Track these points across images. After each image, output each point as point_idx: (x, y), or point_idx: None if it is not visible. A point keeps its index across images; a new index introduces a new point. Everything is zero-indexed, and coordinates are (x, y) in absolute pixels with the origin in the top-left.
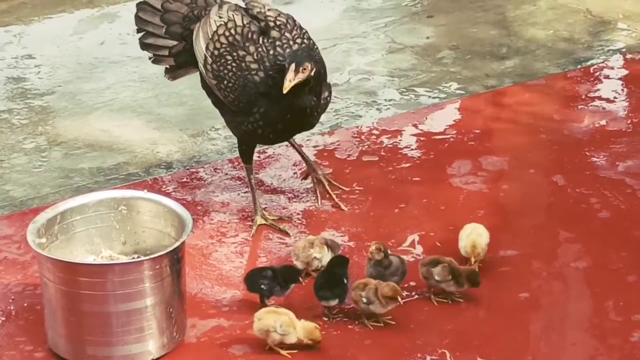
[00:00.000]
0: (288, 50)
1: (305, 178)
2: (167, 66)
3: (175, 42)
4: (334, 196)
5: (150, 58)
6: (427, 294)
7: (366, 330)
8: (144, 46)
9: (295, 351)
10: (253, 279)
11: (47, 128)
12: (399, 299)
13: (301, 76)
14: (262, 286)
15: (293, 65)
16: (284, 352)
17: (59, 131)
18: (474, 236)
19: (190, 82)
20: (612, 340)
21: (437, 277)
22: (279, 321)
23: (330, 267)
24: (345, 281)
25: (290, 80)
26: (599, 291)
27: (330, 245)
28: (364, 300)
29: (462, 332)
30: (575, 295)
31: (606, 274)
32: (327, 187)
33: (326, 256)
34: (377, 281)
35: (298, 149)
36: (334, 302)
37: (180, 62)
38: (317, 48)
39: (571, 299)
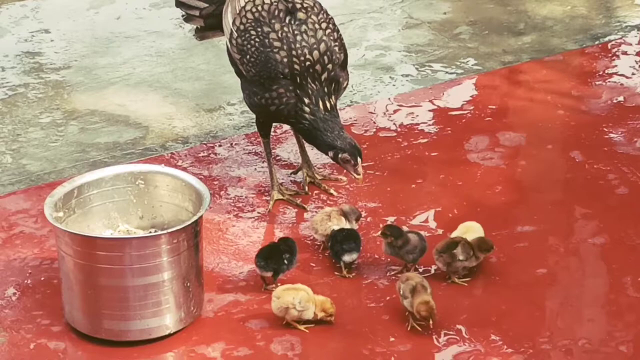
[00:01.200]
0: (314, 42)
1: (295, 172)
2: (197, 26)
3: (206, 5)
4: (326, 187)
5: (182, 16)
6: (448, 280)
7: (383, 306)
8: (178, 4)
9: (312, 325)
10: (272, 256)
11: (63, 102)
12: (431, 321)
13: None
14: (285, 261)
15: (359, 159)
16: (301, 327)
17: (75, 106)
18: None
19: (207, 57)
20: (629, 317)
21: (461, 257)
22: (297, 297)
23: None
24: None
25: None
26: (617, 267)
27: (348, 212)
28: (400, 292)
29: (479, 308)
30: (592, 271)
31: (624, 250)
32: (319, 184)
33: (344, 226)
34: (419, 281)
35: (300, 141)
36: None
37: (208, 24)
38: (341, 35)
39: (588, 275)
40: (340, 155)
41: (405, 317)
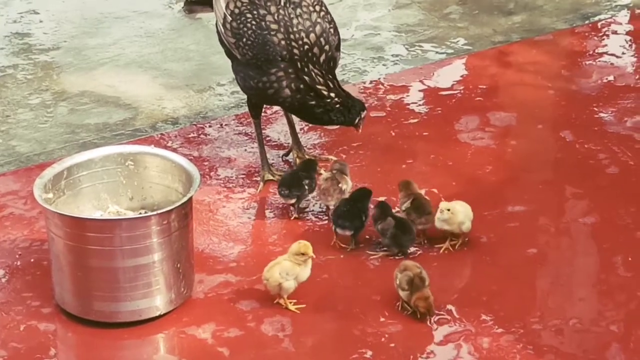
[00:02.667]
0: (309, 25)
1: (287, 154)
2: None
3: None
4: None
5: None
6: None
7: (374, 287)
8: None
9: (303, 306)
10: (294, 183)
11: (52, 84)
12: (429, 317)
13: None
14: (306, 186)
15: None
16: (292, 307)
17: (64, 87)
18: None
19: (197, 38)
20: (620, 296)
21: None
22: (283, 270)
23: (353, 200)
24: (364, 218)
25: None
26: (607, 247)
27: (343, 168)
28: (397, 281)
29: (470, 288)
30: (583, 250)
31: (614, 230)
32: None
33: (349, 183)
34: (417, 273)
35: (291, 122)
36: (348, 233)
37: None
38: (333, 17)
39: (579, 255)
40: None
41: (395, 297)
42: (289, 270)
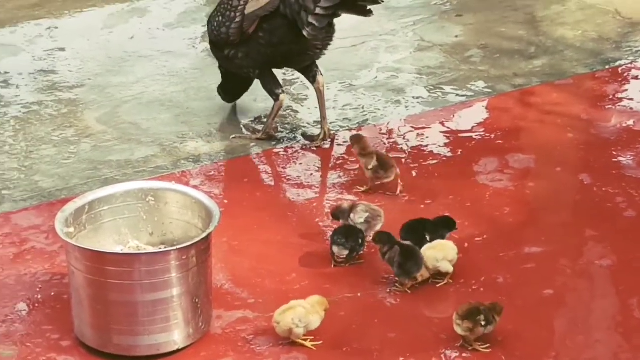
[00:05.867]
0: None
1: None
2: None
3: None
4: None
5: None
6: (469, 348)
7: (389, 324)
8: None
9: (320, 342)
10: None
11: (76, 120)
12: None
13: None
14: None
15: None
16: (309, 344)
17: (88, 123)
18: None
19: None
20: (636, 339)
21: (483, 323)
22: (296, 316)
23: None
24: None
25: None
26: (624, 289)
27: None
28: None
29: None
30: (599, 293)
31: (631, 272)
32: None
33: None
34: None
35: (322, 100)
36: (345, 252)
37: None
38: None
39: (596, 297)
40: None
41: (414, 336)
42: (302, 317)
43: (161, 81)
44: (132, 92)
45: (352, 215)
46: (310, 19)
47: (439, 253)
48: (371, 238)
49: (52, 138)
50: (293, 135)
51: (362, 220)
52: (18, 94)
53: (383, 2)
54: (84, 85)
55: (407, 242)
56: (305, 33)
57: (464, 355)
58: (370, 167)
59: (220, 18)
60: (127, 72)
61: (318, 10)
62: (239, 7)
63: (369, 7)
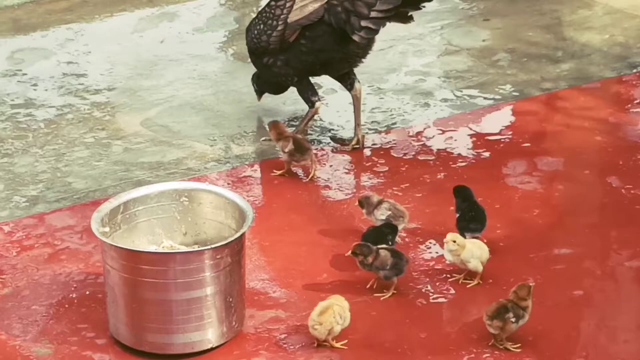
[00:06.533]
0: None
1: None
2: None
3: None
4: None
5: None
6: (501, 346)
7: (420, 324)
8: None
9: (345, 341)
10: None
11: (107, 123)
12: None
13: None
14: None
15: None
16: (338, 345)
17: (119, 126)
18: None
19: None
20: None
21: (513, 319)
22: (336, 315)
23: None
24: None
25: None
26: None
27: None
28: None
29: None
30: (627, 294)
31: None
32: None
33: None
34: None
35: (359, 107)
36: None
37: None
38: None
39: (623, 298)
40: None
41: (445, 336)
42: (341, 314)
43: (191, 84)
44: (162, 95)
45: (375, 211)
46: (365, 23)
47: (477, 250)
48: (351, 252)
49: (84, 140)
50: (323, 138)
51: (383, 217)
52: (49, 97)
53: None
54: (115, 89)
55: (387, 246)
56: (356, 38)
57: (495, 353)
58: (286, 150)
59: (262, 26)
60: (158, 75)
61: (374, 14)
62: (282, 16)
63: (410, 14)
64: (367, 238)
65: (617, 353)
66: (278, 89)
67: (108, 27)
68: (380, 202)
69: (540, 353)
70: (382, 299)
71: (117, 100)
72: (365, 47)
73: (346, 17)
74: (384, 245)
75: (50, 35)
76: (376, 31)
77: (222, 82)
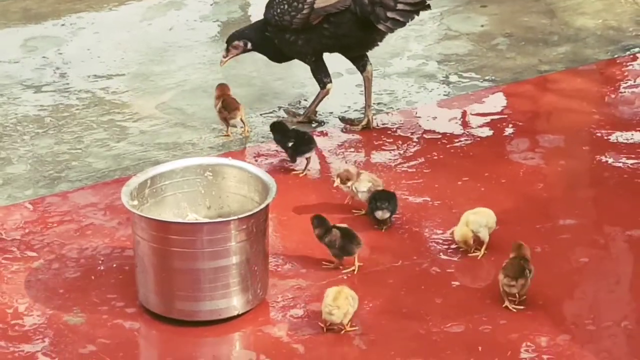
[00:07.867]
0: None
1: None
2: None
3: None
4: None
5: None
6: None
7: (435, 291)
8: None
9: (356, 327)
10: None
11: (122, 107)
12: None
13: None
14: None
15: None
16: (350, 328)
17: (134, 109)
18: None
19: (257, 66)
20: None
21: (530, 275)
22: (349, 297)
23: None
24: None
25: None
26: None
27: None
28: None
29: (527, 294)
30: (631, 259)
31: None
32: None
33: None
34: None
35: (369, 88)
36: (387, 214)
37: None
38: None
39: (626, 263)
40: None
41: (460, 301)
42: (353, 296)
43: (202, 69)
44: (174, 79)
45: (356, 184)
46: (391, 14)
47: (482, 219)
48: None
49: (101, 123)
50: (332, 118)
51: (364, 189)
52: (64, 82)
53: None
54: (128, 74)
55: (344, 225)
56: (382, 27)
57: (510, 316)
58: (216, 108)
59: (286, 6)
60: (169, 61)
61: (400, 6)
62: (308, 1)
63: (427, 2)
64: (381, 196)
65: (623, 314)
66: (280, 58)
67: (117, 16)
68: (358, 175)
69: (551, 315)
70: (345, 277)
71: (131, 85)
72: (384, 35)
73: (371, 8)
74: (343, 225)
75: (62, 24)
76: (403, 23)
77: (232, 66)
